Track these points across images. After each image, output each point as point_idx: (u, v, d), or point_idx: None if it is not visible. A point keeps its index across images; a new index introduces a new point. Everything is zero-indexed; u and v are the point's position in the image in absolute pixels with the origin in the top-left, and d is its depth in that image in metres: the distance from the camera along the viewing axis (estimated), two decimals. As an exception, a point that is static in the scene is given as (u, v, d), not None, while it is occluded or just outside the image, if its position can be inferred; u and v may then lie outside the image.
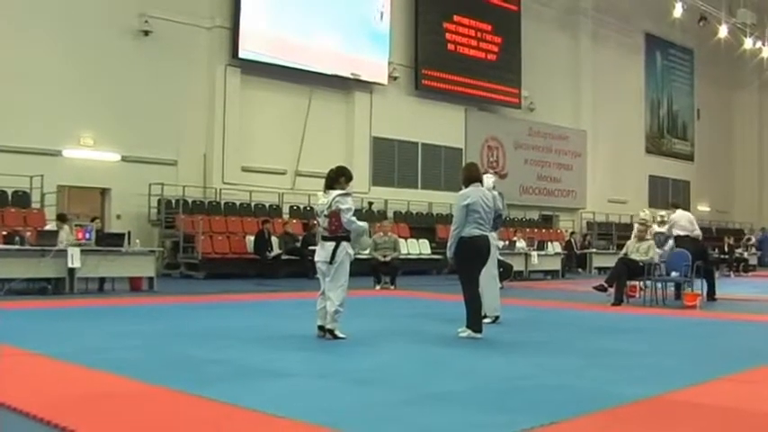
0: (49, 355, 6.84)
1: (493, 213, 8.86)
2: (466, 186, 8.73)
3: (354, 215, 8.25)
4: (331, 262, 8.07)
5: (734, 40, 32.97)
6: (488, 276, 10.01)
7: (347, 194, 8.20)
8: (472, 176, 8.83)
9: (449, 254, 8.74)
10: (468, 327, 8.50)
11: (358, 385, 5.91)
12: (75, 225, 15.05)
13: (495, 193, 9.63)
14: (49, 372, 6.27)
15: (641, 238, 13.71)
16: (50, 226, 14.89)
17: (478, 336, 8.42)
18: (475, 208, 8.49)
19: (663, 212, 16.46)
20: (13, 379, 5.91)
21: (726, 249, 26.85)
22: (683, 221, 15.25)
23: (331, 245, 8.11)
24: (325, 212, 8.16)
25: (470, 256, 8.55)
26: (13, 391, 5.28)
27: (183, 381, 5.71)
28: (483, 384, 6.02)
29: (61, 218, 14.83)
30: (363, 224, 8.44)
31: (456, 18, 27.26)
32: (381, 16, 24.82)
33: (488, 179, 9.67)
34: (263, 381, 6.01)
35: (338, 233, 8.13)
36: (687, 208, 15.83)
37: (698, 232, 15.19)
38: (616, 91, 33.76)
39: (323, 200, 8.26)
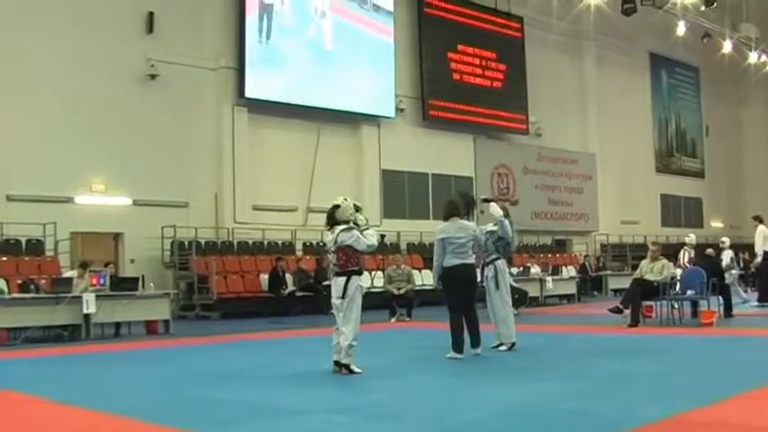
0: (65, 401, 6.85)
1: (472, 241, 9.56)
2: (445, 221, 9.61)
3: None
4: (343, 296, 8.12)
5: (738, 55, 33.01)
6: (502, 303, 10.08)
7: (350, 228, 8.25)
8: (448, 212, 9.70)
9: (434, 282, 9.95)
10: (452, 348, 9.27)
11: (375, 420, 5.89)
12: (90, 271, 15.08)
13: (501, 218, 10.32)
14: (65, 418, 6.28)
15: (655, 258, 13.64)
16: (69, 273, 14.90)
17: (459, 356, 9.20)
18: (449, 240, 9.43)
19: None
20: (27, 426, 5.92)
21: (741, 265, 26.58)
22: None
23: (342, 280, 8.17)
24: (332, 248, 8.24)
25: (449, 284, 9.53)
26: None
27: (198, 423, 5.72)
28: (500, 413, 6.00)
29: (83, 265, 14.77)
30: (373, 240, 8.43)
31: (460, 47, 27.34)
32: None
33: (494, 209, 10.42)
34: (280, 418, 6.00)
35: (348, 267, 8.19)
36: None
37: None
38: (623, 112, 33.75)
39: (329, 236, 8.36)
